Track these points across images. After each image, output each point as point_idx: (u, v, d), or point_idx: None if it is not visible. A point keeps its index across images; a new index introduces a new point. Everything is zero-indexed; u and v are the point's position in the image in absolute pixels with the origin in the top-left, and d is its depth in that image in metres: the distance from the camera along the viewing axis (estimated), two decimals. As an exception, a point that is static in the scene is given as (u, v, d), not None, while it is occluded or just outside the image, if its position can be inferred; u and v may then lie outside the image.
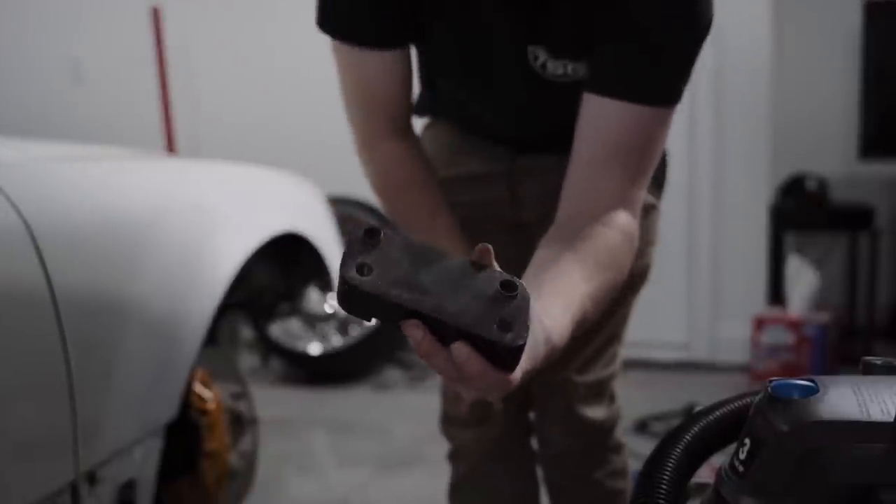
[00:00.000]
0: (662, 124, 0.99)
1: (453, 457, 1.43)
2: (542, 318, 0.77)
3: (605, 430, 1.34)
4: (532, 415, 1.39)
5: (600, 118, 0.97)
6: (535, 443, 1.43)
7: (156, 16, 3.64)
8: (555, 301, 0.82)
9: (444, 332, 0.65)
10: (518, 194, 1.25)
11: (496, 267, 0.68)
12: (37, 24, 4.35)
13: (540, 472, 1.44)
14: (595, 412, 1.31)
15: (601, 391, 1.32)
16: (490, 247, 0.67)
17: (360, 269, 0.64)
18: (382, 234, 0.65)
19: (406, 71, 1.09)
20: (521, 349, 0.64)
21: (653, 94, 0.97)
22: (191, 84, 4.05)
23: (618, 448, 1.37)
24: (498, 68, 1.07)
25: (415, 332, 0.65)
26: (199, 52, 4.06)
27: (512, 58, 1.04)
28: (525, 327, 0.64)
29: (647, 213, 1.25)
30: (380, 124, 1.12)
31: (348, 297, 0.65)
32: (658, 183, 1.28)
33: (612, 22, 0.94)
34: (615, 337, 1.31)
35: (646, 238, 1.27)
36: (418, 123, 1.36)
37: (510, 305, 0.64)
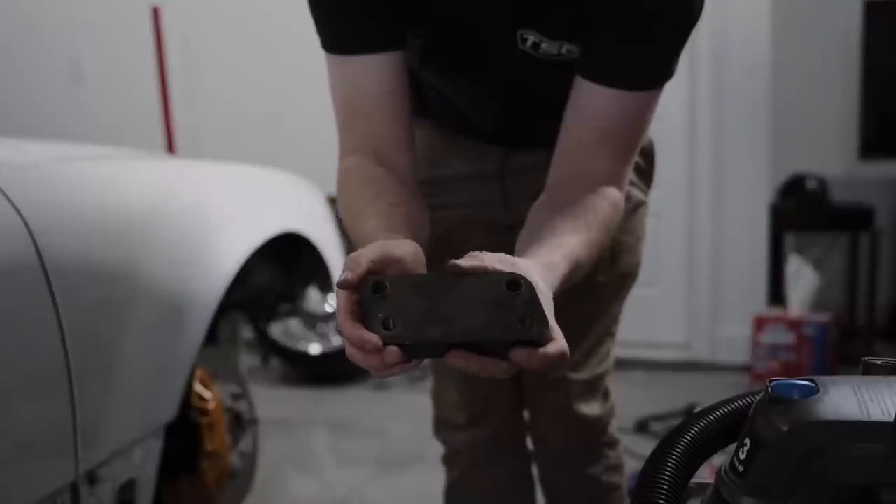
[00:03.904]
0: (653, 103, 1.01)
1: (447, 460, 1.43)
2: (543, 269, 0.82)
3: (600, 426, 1.35)
4: (526, 414, 1.40)
5: (594, 105, 0.98)
6: (529, 442, 1.43)
7: (156, 15, 3.64)
8: (552, 252, 0.87)
9: (478, 344, 0.71)
10: (510, 195, 1.23)
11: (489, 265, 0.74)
12: (37, 24, 4.34)
13: (535, 471, 1.45)
14: (591, 409, 1.32)
15: (595, 388, 1.33)
16: (463, 263, 0.73)
17: (385, 325, 0.68)
18: (388, 284, 0.70)
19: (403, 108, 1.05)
20: (546, 336, 0.71)
21: (646, 80, 0.98)
22: (191, 84, 4.05)
23: (612, 443, 1.38)
24: (487, 51, 1.04)
25: (459, 361, 0.71)
26: (199, 52, 4.06)
27: (500, 39, 1.01)
28: (542, 315, 0.71)
29: (636, 210, 1.25)
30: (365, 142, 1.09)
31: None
32: (646, 177, 1.28)
33: (607, 9, 0.94)
34: (608, 334, 1.32)
35: (635, 234, 1.27)
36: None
37: (521, 301, 0.70)
